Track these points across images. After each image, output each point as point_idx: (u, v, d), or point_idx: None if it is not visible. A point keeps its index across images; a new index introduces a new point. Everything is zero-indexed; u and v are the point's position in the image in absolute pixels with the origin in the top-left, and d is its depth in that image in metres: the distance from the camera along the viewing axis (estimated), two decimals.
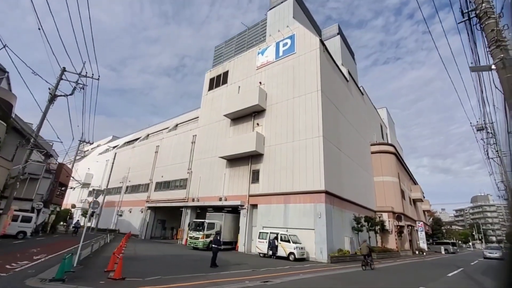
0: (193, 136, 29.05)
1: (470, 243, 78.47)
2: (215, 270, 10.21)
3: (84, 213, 40.12)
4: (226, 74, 28.87)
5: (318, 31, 31.76)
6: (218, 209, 22.84)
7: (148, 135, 40.15)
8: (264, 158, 21.51)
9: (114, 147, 46.64)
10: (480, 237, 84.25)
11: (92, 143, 31.69)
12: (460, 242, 78.03)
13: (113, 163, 34.30)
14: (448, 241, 44.14)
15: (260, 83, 24.48)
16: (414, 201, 40.29)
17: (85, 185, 47.13)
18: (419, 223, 34.53)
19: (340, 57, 29.54)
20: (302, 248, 15.85)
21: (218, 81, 29.44)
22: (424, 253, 31.23)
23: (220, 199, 22.78)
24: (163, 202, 28.64)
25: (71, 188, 37.22)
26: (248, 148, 21.34)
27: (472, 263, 20.17)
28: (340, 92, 24.66)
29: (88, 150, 59.58)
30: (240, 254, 18.38)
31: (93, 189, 43.43)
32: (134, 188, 34.48)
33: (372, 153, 30.90)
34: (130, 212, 33.17)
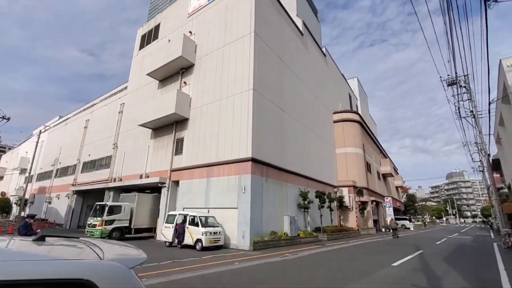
0: (121, 104, 24.07)
1: (444, 218, 79.29)
2: None
3: (17, 202, 34.86)
4: (157, 28, 23.66)
5: None
6: (154, 189, 18.07)
7: (85, 109, 34.50)
8: (189, 123, 17.15)
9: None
10: (454, 212, 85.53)
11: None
12: (434, 217, 78.64)
13: (37, 142, 28.80)
14: (405, 217, 42.36)
15: (191, 32, 19.64)
16: (384, 176, 37.67)
17: (23, 170, 41.46)
18: (387, 198, 31.86)
19: (295, 7, 24.90)
20: (216, 233, 11.93)
21: (149, 38, 24.22)
22: (391, 231, 28.66)
23: (141, 177, 18.43)
24: (87, 185, 23.95)
25: None
26: (167, 111, 16.85)
27: (438, 242, 17.22)
28: (289, 44, 20.27)
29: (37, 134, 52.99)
30: (151, 243, 14.34)
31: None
32: (63, 171, 29.42)
33: (335, 122, 27.22)
34: (58, 198, 28.28)
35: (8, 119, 25.91)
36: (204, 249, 11.28)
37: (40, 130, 30.15)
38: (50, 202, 29.52)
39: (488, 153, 15.98)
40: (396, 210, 44.94)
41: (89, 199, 26.39)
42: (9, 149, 67.16)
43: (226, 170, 13.98)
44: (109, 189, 21.02)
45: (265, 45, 16.47)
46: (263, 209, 13.53)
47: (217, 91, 16.06)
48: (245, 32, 15.80)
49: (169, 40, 21.03)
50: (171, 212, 13.85)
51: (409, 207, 59.77)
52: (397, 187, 50.23)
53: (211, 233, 11.64)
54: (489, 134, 15.60)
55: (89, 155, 25.85)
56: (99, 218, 14.53)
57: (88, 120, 28.53)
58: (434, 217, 78.17)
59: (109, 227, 14.61)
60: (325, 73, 28.12)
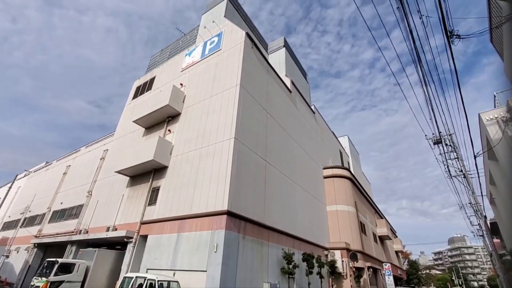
0: (104, 151, 23.40)
1: None
2: None
3: None
4: (152, 80, 24.71)
5: (264, 44, 29.39)
6: (124, 245, 15.79)
7: (70, 154, 33.63)
8: (168, 171, 16.23)
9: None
10: (460, 283, 78.18)
11: None
12: None
13: (9, 188, 27.11)
14: (405, 287, 37.66)
15: (182, 84, 20.32)
16: (382, 239, 35.05)
17: None
18: (386, 265, 28.87)
19: (284, 69, 26.66)
20: None
21: (143, 89, 25.08)
22: None
23: (108, 229, 16.56)
24: (51, 237, 21.52)
25: None
26: (145, 158, 16.09)
27: None
28: (277, 99, 20.84)
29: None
30: None
31: None
32: (31, 220, 26.92)
33: (325, 177, 26.40)
34: (17, 252, 25.13)
35: None
36: None
37: (16, 175, 28.67)
38: (7, 256, 26.14)
39: (484, 214, 14.96)
40: (397, 279, 40.51)
41: (52, 254, 23.40)
42: None
43: (199, 224, 12.52)
44: (72, 242, 18.77)
45: (251, 97, 16.78)
46: (237, 273, 11.62)
47: (199, 140, 15.63)
48: (232, 84, 16.23)
49: (161, 91, 21.65)
50: (127, 274, 11.79)
51: (412, 275, 54.56)
52: (396, 252, 46.50)
53: None
54: (482, 195, 14.81)
55: (61, 203, 23.97)
56: (44, 279, 12.30)
57: (69, 166, 27.44)
58: None
59: None
60: (315, 130, 28.54)
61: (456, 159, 17.20)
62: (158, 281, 10.09)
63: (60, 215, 23.29)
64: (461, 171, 17.56)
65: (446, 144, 17.24)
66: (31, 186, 32.59)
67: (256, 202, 14.44)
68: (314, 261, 16.85)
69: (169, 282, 10.70)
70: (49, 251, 23.19)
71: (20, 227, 27.68)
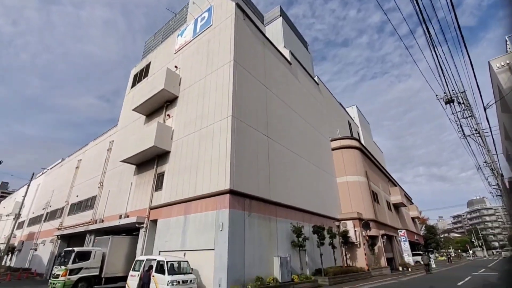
0: (110, 142, 23.61)
1: (470, 251, 71.75)
2: None
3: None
4: (148, 66, 24.18)
5: (259, 16, 27.87)
6: (138, 231, 16.28)
7: (81, 149, 34.41)
8: (170, 156, 16.17)
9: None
10: (480, 244, 77.90)
11: None
12: (459, 251, 71.52)
13: (28, 186, 28.26)
14: (419, 252, 36.53)
15: (176, 67, 19.74)
16: (396, 206, 34.73)
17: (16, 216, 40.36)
18: (401, 231, 28.76)
19: (282, 40, 25.34)
20: (186, 281, 10.08)
21: (140, 76, 24.65)
22: (410, 269, 25.23)
23: (121, 217, 16.99)
24: (71, 228, 22.48)
25: None
26: (147, 144, 16.03)
27: (460, 283, 14.47)
28: (276, 73, 19.97)
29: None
30: None
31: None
32: (52, 214, 28.18)
33: (333, 149, 25.84)
34: (44, 244, 26.60)
35: (0, 162, 25.84)
36: None
37: (33, 173, 29.70)
38: (36, 249, 27.77)
39: (501, 173, 14.11)
40: (415, 245, 40.60)
41: (75, 245, 24.60)
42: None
43: (204, 205, 12.52)
44: (90, 232, 19.50)
45: (247, 73, 16.07)
46: (245, 249, 11.69)
47: (198, 121, 15.31)
48: (225, 61, 15.53)
49: (156, 76, 21.17)
50: (138, 257, 12.13)
51: (429, 240, 54.63)
52: (413, 218, 46.26)
53: (179, 282, 9.81)
54: (497, 154, 13.90)
55: (77, 196, 24.79)
56: (63, 267, 12.86)
57: (80, 160, 28.06)
58: (459, 251, 71.02)
59: (74, 277, 12.84)
60: (319, 101, 27.56)
61: (470, 117, 16.17)
62: (167, 262, 10.28)
63: (77, 207, 24.16)
64: (476, 129, 16.56)
65: (459, 103, 16.17)
66: (49, 183, 33.89)
67: (260, 179, 14.24)
68: (325, 232, 16.80)
69: (179, 262, 10.90)
70: (72, 242, 24.32)
71: (44, 221, 29.11)
